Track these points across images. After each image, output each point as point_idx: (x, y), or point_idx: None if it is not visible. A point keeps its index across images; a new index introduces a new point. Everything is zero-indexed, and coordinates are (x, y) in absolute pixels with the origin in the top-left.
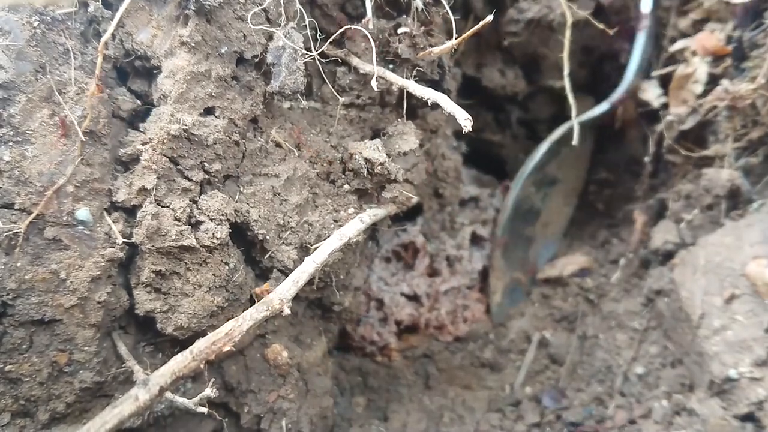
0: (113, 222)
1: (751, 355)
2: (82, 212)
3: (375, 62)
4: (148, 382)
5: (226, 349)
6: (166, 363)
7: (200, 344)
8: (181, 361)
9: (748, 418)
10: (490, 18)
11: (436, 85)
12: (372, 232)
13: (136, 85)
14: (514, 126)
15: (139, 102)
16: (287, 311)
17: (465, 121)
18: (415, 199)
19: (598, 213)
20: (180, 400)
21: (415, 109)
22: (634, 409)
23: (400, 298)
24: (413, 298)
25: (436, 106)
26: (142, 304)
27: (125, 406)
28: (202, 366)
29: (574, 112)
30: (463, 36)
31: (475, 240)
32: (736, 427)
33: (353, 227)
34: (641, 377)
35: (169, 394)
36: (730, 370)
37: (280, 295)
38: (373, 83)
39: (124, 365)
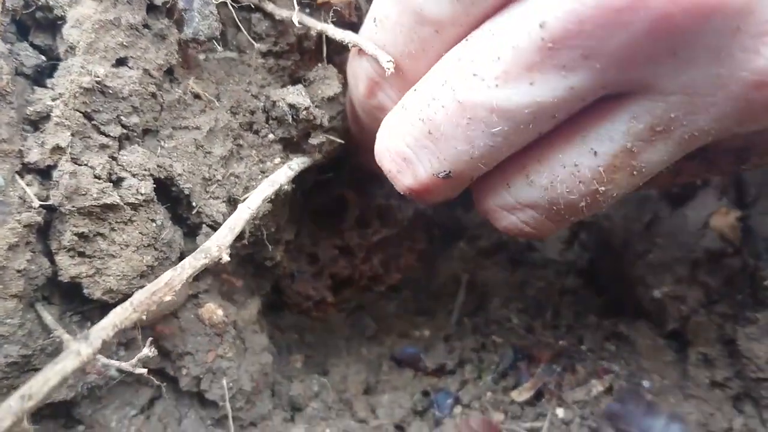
0: (27, 185)
1: (672, 275)
2: None
3: None
4: (89, 336)
5: (167, 299)
6: None
7: (140, 295)
8: (121, 313)
9: (673, 335)
10: None
11: (355, 29)
12: (299, 184)
13: (38, 39)
14: None
15: (43, 57)
16: (226, 258)
17: (387, 63)
18: (341, 143)
19: None
20: (116, 363)
21: (331, 56)
22: (565, 339)
23: (333, 250)
24: (346, 250)
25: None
26: (66, 269)
27: (67, 362)
28: (144, 317)
29: None
30: None
31: None
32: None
33: (283, 174)
34: (569, 308)
35: (104, 359)
36: (654, 291)
37: (218, 242)
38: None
39: (51, 336)
